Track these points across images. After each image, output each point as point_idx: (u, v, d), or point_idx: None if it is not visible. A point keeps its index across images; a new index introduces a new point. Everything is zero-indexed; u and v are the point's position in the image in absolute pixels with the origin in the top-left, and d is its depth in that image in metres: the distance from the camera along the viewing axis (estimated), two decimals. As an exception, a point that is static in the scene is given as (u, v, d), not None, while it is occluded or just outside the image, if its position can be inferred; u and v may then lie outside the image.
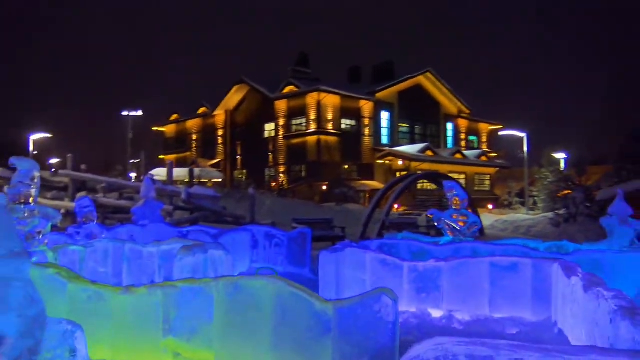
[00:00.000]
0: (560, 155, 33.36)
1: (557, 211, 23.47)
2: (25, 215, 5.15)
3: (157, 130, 52.24)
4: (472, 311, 5.69)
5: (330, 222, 14.96)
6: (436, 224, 8.40)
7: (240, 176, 42.94)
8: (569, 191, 27.17)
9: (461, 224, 8.09)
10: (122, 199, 15.02)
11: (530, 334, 5.24)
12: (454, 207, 8.22)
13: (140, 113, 37.73)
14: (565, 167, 32.16)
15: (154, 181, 10.85)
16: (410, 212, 22.43)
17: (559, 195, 28.49)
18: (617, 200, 7.83)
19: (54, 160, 37.86)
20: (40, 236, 5.40)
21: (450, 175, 23.69)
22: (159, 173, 25.51)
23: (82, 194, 12.91)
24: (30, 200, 5.11)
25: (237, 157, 44.60)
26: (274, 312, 3.41)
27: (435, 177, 19.12)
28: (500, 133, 39.33)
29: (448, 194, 8.39)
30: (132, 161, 40.19)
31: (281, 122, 40.84)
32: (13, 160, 5.05)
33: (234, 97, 44.76)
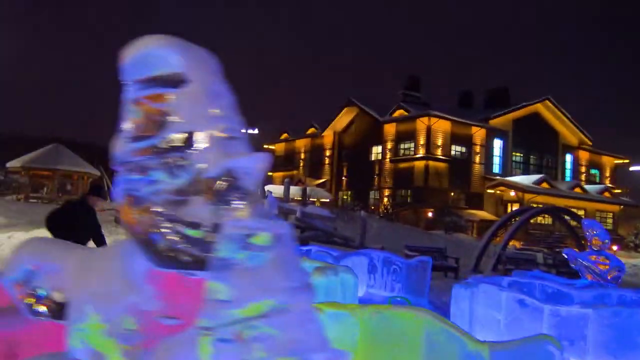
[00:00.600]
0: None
1: None
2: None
3: (268, 148, 54.38)
4: (624, 367, 5.14)
5: (443, 252, 14.51)
6: (572, 265, 7.78)
7: (345, 197, 43.28)
8: None
9: (602, 267, 7.42)
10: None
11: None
12: (593, 248, 7.57)
13: (255, 131, 39.50)
14: None
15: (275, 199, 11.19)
16: (527, 247, 21.17)
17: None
18: None
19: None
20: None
21: (569, 210, 22.14)
22: (274, 190, 26.38)
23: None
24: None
25: (343, 177, 45.06)
26: (422, 348, 3.26)
27: (557, 212, 17.92)
28: (630, 169, 36.12)
29: (587, 234, 7.75)
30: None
31: (389, 145, 40.71)
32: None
33: (343, 118, 45.43)
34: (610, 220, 41.66)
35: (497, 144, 40.95)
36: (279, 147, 53.13)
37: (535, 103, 42.26)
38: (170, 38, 1.58)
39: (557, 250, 19.65)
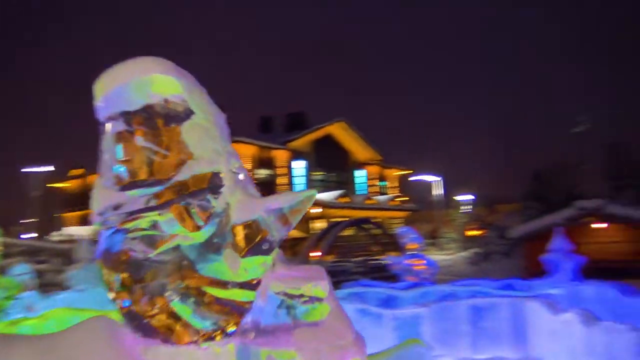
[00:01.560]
0: (468, 197, 35.49)
1: (474, 250, 24.72)
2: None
3: (54, 187, 48.89)
4: (455, 354, 5.76)
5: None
6: (394, 269, 8.51)
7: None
8: (481, 230, 28.84)
9: (419, 267, 8.26)
10: (38, 262, 13.72)
11: (516, 372, 5.39)
12: (410, 252, 8.40)
13: (51, 168, 35.19)
14: (472, 207, 34.18)
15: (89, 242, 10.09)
16: (338, 259, 22.55)
17: (469, 234, 30.11)
18: (557, 237, 8.43)
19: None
20: None
21: (365, 220, 24.33)
22: (68, 232, 23.68)
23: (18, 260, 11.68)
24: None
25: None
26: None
27: (363, 223, 19.53)
28: (411, 178, 41.17)
29: (403, 240, 8.58)
30: (26, 221, 37.15)
31: (195, 173, 39.99)
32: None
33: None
34: (399, 226, 46.76)
35: (299, 164, 43.07)
36: (73, 184, 48.21)
37: (330, 125, 45.67)
38: (164, 61, 1.27)
39: (366, 258, 21.34)
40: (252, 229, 1.24)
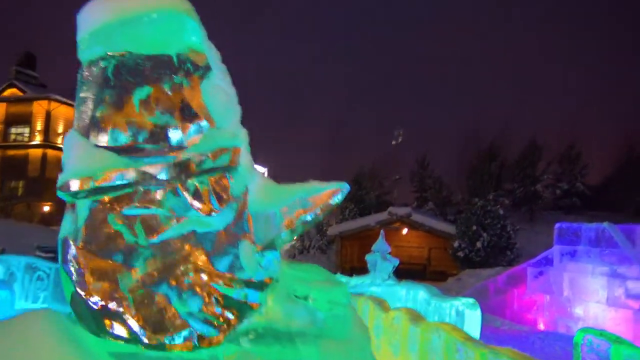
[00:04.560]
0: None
1: (292, 243, 25.65)
2: None
3: None
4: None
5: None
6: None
7: None
8: (301, 225, 30.07)
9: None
10: None
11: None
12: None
13: None
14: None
15: None
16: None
17: (290, 227, 31.20)
18: (379, 239, 9.22)
19: None
20: None
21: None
22: None
23: None
24: None
25: None
26: None
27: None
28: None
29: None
30: None
31: (-4, 128, 34.96)
32: None
33: None
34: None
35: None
36: None
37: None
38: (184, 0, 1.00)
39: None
40: (271, 221, 1.10)
